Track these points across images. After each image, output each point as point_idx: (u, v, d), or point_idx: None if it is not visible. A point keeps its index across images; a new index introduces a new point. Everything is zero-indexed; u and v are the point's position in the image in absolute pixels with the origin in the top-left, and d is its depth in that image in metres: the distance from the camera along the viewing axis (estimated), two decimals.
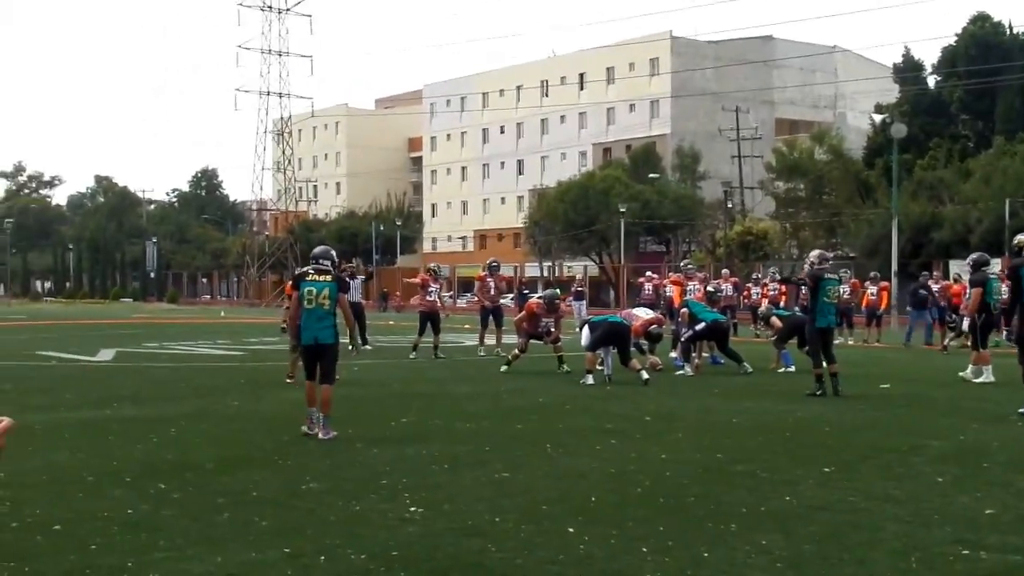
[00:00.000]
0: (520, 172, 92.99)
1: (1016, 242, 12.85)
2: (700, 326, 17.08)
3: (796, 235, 62.43)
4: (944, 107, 59.69)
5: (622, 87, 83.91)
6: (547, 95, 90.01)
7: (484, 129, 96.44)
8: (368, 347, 21.17)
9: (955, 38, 60.17)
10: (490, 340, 21.52)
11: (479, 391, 14.30)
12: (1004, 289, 20.08)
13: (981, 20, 59.66)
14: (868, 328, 27.13)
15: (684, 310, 17.95)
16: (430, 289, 20.43)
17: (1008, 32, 59.49)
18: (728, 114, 69.18)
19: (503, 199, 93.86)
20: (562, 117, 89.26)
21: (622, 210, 61.99)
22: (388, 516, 6.72)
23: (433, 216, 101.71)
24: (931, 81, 62.44)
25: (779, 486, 7.65)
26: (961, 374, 16.05)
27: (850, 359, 18.04)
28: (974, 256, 16.48)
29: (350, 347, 12.62)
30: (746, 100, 75.45)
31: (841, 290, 26.25)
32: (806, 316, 15.08)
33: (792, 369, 17.29)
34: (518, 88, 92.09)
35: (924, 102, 60.17)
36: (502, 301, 23.28)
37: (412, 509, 6.91)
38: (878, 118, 59.18)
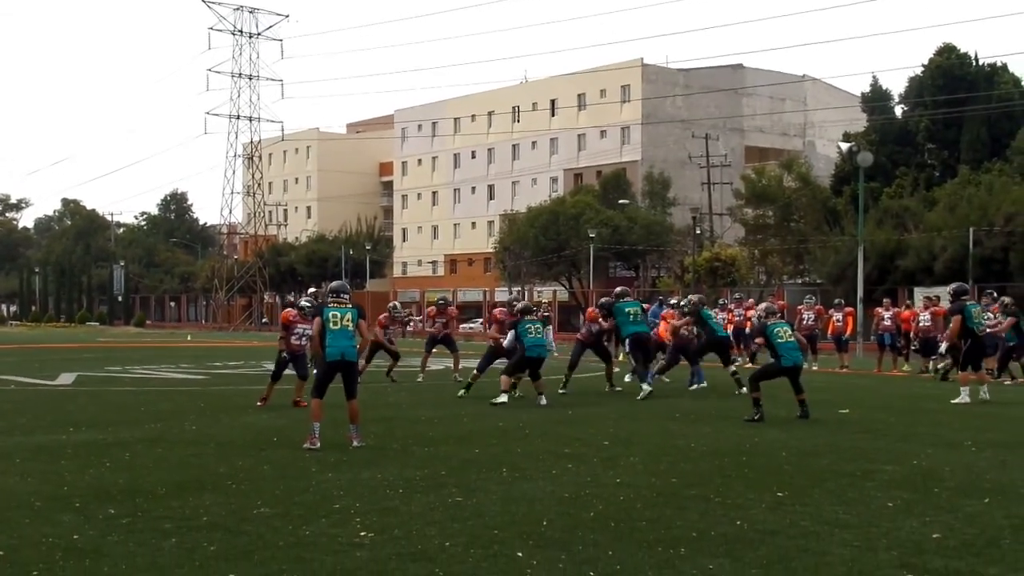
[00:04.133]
0: (491, 197, 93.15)
1: None
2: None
3: (764, 261, 62.78)
4: (911, 136, 60.26)
5: (593, 113, 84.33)
6: (518, 121, 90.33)
7: (455, 154, 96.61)
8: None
9: (922, 69, 60.81)
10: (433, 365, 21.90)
11: (438, 415, 14.26)
12: (989, 316, 20.44)
13: (947, 51, 60.35)
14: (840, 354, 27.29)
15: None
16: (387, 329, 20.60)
17: (974, 63, 60.19)
18: (698, 141, 69.65)
19: (474, 224, 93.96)
20: (533, 143, 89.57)
21: (592, 235, 62.19)
22: (338, 541, 6.69)
23: (403, 240, 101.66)
24: (898, 111, 63.03)
25: (731, 510, 7.66)
26: (954, 401, 16.19)
27: (813, 384, 18.11)
28: (953, 285, 16.84)
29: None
30: (716, 127, 76.01)
31: (807, 316, 26.66)
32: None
33: (704, 385, 18.77)
34: (490, 114, 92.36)
35: (891, 131, 60.72)
36: (455, 328, 24.04)
37: (362, 534, 6.88)
38: (846, 146, 59.60)
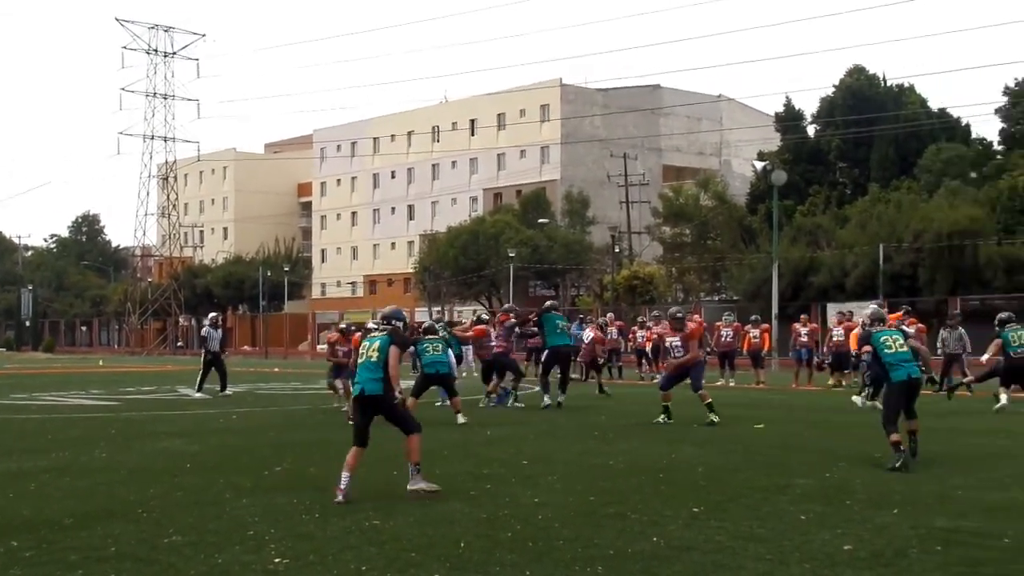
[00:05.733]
0: (411, 217, 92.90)
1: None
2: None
3: (682, 279, 63.46)
4: (823, 155, 61.52)
5: (513, 133, 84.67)
6: (438, 140, 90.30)
7: (375, 174, 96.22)
8: (228, 393, 22.53)
9: (833, 89, 62.18)
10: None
11: None
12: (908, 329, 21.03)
13: (857, 72, 61.79)
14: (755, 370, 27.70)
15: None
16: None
17: (882, 84, 61.71)
18: (616, 160, 70.23)
19: (393, 244, 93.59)
20: (453, 162, 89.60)
21: (511, 255, 62.31)
22: (251, 568, 6.58)
23: (322, 261, 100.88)
24: (811, 130, 64.33)
25: (648, 527, 7.70)
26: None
27: (729, 400, 18.35)
28: (872, 311, 17.00)
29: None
30: (634, 147, 76.73)
31: (725, 333, 27.07)
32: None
33: (521, 406, 18.96)
34: (409, 133, 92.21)
35: (804, 150, 61.93)
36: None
37: (277, 560, 6.77)
38: (760, 165, 60.69)
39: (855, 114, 58.58)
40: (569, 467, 11.05)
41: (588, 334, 25.34)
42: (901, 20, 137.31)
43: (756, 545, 7.05)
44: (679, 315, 16.90)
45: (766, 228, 50.79)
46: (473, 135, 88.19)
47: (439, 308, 71.39)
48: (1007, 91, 56.62)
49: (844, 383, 25.91)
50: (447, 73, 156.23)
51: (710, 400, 15.77)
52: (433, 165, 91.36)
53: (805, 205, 55.80)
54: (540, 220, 70.75)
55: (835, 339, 26.18)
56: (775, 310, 38.17)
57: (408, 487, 9.25)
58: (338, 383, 18.81)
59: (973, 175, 53.11)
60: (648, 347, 30.32)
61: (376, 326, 10.06)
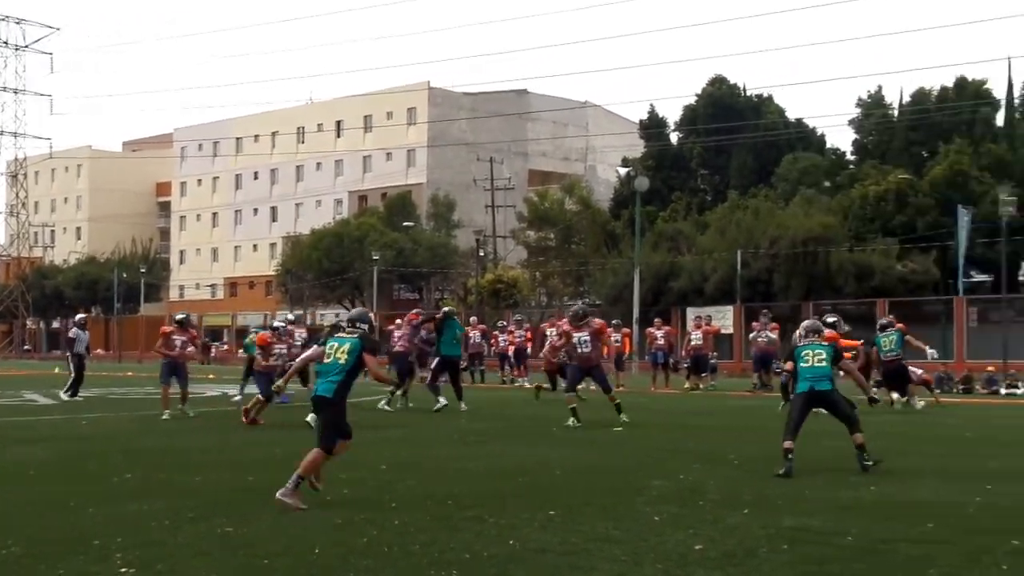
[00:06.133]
0: (274, 219, 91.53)
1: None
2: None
3: (545, 283, 63.99)
4: (685, 162, 62.83)
5: (379, 135, 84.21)
6: (303, 142, 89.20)
7: (237, 175, 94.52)
8: (79, 398, 22.17)
9: (695, 98, 63.56)
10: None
11: (212, 444, 13.84)
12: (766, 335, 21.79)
13: (718, 82, 63.30)
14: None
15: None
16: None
17: (743, 94, 63.33)
18: (483, 164, 70.47)
19: (255, 246, 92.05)
20: (318, 164, 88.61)
21: (376, 257, 61.95)
22: None
23: (181, 263, 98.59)
24: (674, 137, 65.61)
25: (505, 530, 7.70)
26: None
27: (590, 404, 18.55)
28: (807, 323, 17.25)
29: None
30: (500, 151, 77.12)
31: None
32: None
33: (389, 410, 19.10)
34: (273, 134, 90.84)
35: (667, 157, 63.16)
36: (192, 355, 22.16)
37: (123, 569, 6.54)
38: (624, 171, 61.72)
39: (716, 123, 60.01)
40: (428, 471, 11.01)
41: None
42: (762, 33, 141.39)
43: (611, 546, 7.12)
44: (580, 311, 17.11)
45: (629, 233, 51.59)
46: (339, 137, 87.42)
47: (301, 311, 70.57)
48: (859, 103, 58.77)
49: (701, 386, 26.52)
50: (313, 74, 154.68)
51: (619, 401, 16.21)
52: (297, 166, 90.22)
53: (667, 211, 56.87)
54: (405, 223, 70.56)
55: (693, 343, 26.74)
56: (636, 314, 38.80)
57: (278, 494, 8.75)
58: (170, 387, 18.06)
59: (827, 184, 54.93)
60: (511, 351, 30.49)
61: (343, 327, 9.78)
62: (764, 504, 8.76)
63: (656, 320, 28.93)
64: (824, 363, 10.99)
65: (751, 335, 25.11)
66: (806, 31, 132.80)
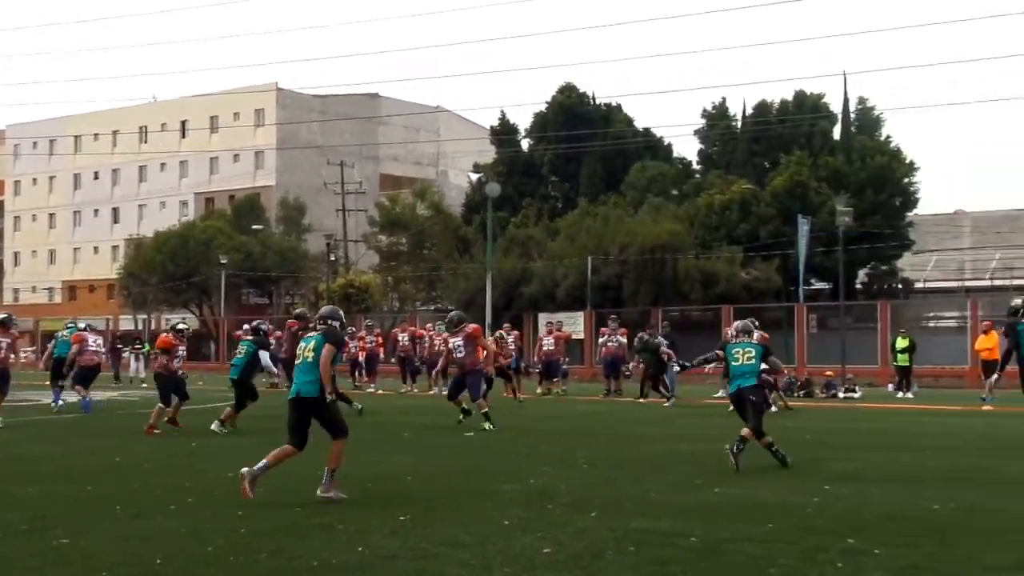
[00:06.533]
0: (116, 220, 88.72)
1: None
2: None
3: (397, 288, 63.73)
4: (536, 169, 63.38)
5: (226, 136, 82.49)
6: (146, 141, 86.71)
7: (76, 174, 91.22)
8: None
9: (546, 105, 64.21)
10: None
11: (50, 452, 13.32)
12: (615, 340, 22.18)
13: (568, 90, 64.04)
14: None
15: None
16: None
17: (592, 103, 64.26)
18: (333, 168, 69.71)
19: (96, 248, 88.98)
20: (162, 165, 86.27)
21: (223, 261, 60.69)
22: None
23: (16, 265, 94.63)
24: (525, 144, 66.12)
25: (354, 537, 7.63)
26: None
27: (440, 409, 18.53)
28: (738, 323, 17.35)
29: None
30: (351, 155, 76.42)
31: (438, 342, 27.41)
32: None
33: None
34: (115, 133, 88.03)
35: (518, 163, 63.60)
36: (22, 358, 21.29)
37: None
38: (476, 177, 61.88)
39: (566, 130, 60.71)
40: (275, 478, 10.78)
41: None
42: (611, 42, 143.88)
43: (460, 551, 7.12)
44: (456, 318, 17.11)
45: (481, 239, 51.80)
46: (184, 137, 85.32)
47: (145, 316, 68.65)
48: (704, 114, 60.29)
49: (553, 390, 26.82)
50: (156, 72, 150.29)
51: (487, 410, 16.24)
52: (140, 167, 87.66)
53: (518, 217, 57.27)
54: (254, 226, 69.34)
55: (545, 348, 27.04)
56: (488, 319, 38.95)
57: (319, 492, 9.25)
58: None
59: (674, 192, 56.13)
60: (362, 357, 30.28)
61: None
62: (612, 507, 8.89)
63: (505, 325, 29.14)
64: (753, 361, 11.72)
65: (600, 340, 25.54)
66: (654, 42, 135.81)
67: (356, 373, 30.69)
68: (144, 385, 33.09)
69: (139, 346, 37.70)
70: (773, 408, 18.94)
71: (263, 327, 17.71)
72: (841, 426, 16.68)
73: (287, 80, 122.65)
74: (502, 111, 78.92)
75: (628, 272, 45.08)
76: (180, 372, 16.61)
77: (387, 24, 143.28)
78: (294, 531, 7.89)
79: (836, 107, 56.47)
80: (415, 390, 26.94)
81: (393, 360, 30.64)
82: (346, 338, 20.68)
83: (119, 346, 38.35)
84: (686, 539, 7.51)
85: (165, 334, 17.01)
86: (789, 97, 57.37)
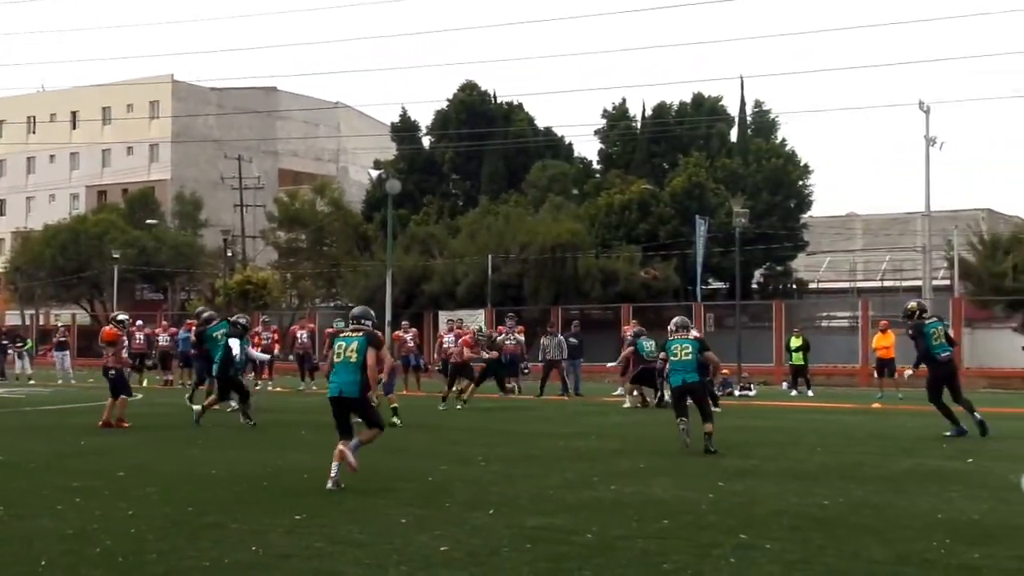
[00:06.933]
0: (1, 213, 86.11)
1: None
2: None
3: (296, 284, 63.00)
4: (437, 167, 63.18)
5: (119, 128, 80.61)
6: (35, 132, 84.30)
7: None
8: None
9: (447, 103, 64.04)
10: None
11: None
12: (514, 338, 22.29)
13: (469, 88, 63.95)
14: None
15: None
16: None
17: (493, 101, 64.29)
18: (231, 162, 68.57)
19: None
20: (51, 156, 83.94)
21: (116, 256, 59.31)
22: None
23: None
24: (426, 141, 65.83)
25: (248, 536, 7.50)
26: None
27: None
28: (677, 319, 17.03)
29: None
30: (249, 149, 75.24)
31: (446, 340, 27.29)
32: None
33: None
34: (0, 123, 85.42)
35: (419, 161, 63.32)
36: None
37: None
38: (376, 173, 61.42)
39: (467, 128, 60.66)
40: (168, 477, 10.61)
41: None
42: (511, 41, 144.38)
43: (355, 550, 7.05)
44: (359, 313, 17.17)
45: (381, 236, 51.44)
46: (75, 128, 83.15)
47: (33, 312, 66.85)
48: (605, 114, 60.75)
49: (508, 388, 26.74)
50: (45, 60, 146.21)
51: (396, 404, 16.66)
52: (28, 158, 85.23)
53: (419, 214, 57.05)
54: (148, 221, 67.95)
55: (447, 346, 26.92)
56: (388, 317, 38.71)
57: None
58: None
59: (575, 192, 56.45)
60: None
61: (352, 329, 10.22)
62: (509, 504, 8.89)
63: (404, 323, 29.03)
64: (690, 356, 12.64)
65: (498, 338, 25.53)
66: (555, 42, 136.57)
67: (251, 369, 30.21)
68: (32, 383, 32.17)
69: (20, 343, 36.38)
70: (717, 408, 19.00)
71: (241, 321, 18.08)
72: (735, 424, 16.95)
73: (183, 72, 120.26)
74: (403, 108, 78.29)
75: (529, 271, 45.23)
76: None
77: (287, 17, 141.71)
78: (185, 530, 7.73)
79: (733, 110, 57.45)
80: (314, 387, 26.62)
81: (291, 357, 30.22)
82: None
83: (4, 343, 37.07)
84: (582, 536, 7.54)
85: (108, 327, 16.72)
86: (688, 99, 58.17)
